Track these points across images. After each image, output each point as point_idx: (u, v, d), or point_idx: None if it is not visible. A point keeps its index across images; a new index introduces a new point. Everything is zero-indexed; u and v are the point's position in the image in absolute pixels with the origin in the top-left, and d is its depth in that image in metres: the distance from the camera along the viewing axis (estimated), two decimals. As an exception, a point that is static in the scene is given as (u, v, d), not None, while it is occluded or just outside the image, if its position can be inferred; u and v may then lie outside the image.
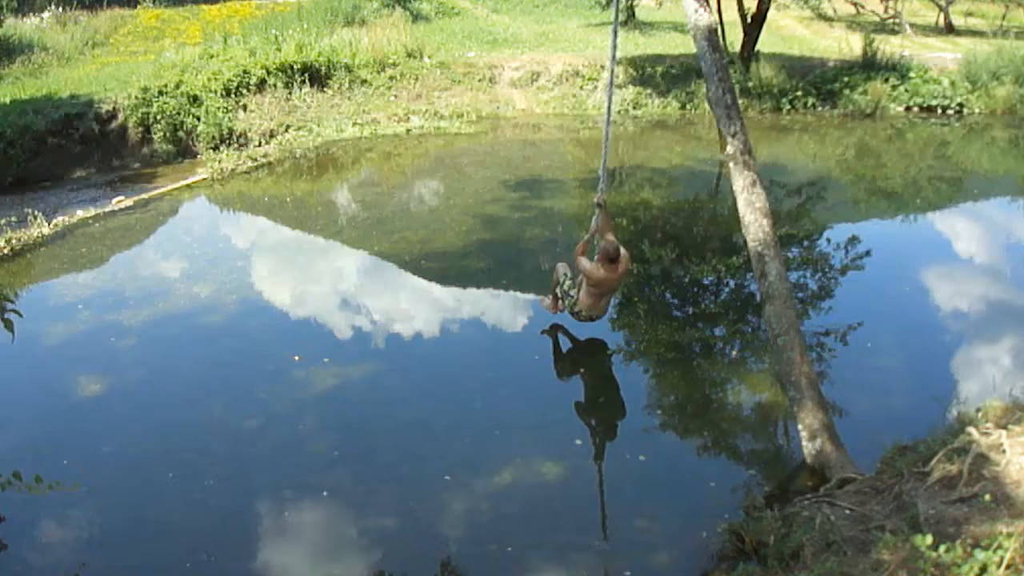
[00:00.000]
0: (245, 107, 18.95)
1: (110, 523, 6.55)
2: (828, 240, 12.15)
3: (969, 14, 30.27)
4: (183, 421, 7.87)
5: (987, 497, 4.84)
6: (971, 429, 5.64)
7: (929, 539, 4.35)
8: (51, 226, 13.11)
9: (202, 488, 6.86)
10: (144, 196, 14.97)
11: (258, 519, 6.53)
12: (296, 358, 8.80)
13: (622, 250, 8.12)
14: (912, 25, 27.87)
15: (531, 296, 10.20)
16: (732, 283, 10.69)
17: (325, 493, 6.75)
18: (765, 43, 21.83)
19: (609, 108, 8.63)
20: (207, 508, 6.68)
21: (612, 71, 9.05)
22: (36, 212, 13.22)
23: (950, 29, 28.13)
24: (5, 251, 12.20)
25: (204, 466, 7.13)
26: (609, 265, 8.00)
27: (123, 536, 6.42)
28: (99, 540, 6.39)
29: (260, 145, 18.06)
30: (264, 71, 19.51)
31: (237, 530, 6.44)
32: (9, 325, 4.60)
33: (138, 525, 6.52)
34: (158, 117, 17.81)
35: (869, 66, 20.71)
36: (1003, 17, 28.82)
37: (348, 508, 6.65)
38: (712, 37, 7.05)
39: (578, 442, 7.48)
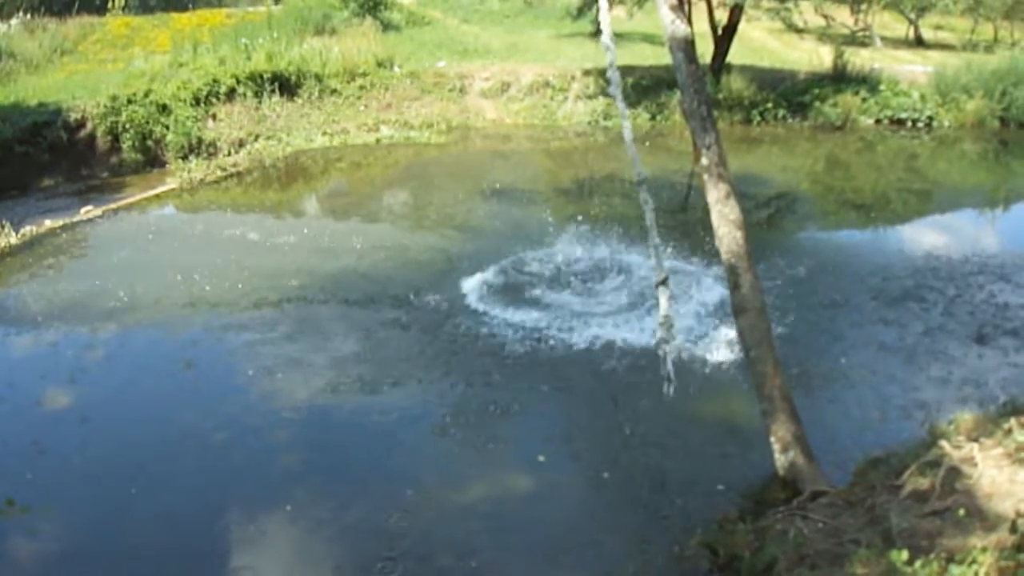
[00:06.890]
0: (215, 116, 18.80)
1: (76, 538, 6.44)
2: (797, 252, 12.15)
3: (939, 27, 30.56)
4: (149, 434, 7.76)
5: (960, 511, 4.83)
6: (943, 442, 5.63)
7: (905, 554, 4.33)
8: (18, 236, 12.94)
9: (168, 503, 6.76)
10: (113, 206, 14.83)
11: (224, 533, 6.42)
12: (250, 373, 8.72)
13: None
14: (882, 38, 28.12)
15: (494, 307, 10.14)
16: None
17: (289, 507, 6.64)
18: (735, 55, 21.92)
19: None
20: (173, 523, 6.58)
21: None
22: (3, 221, 13.05)
23: (920, 42, 28.40)
24: (-28, 261, 12.04)
25: (170, 480, 7.04)
26: None
27: (90, 551, 6.32)
28: (66, 555, 6.27)
29: (229, 155, 17.90)
30: (234, 80, 19.37)
31: (203, 545, 6.34)
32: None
33: (104, 540, 6.43)
34: (127, 126, 17.59)
35: (839, 78, 20.85)
36: (972, 31, 29.13)
37: (313, 522, 6.53)
38: (688, 48, 7.01)
39: (541, 459, 7.31)
